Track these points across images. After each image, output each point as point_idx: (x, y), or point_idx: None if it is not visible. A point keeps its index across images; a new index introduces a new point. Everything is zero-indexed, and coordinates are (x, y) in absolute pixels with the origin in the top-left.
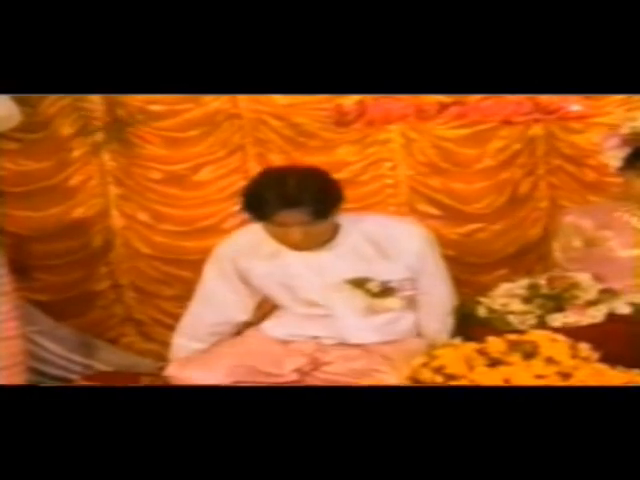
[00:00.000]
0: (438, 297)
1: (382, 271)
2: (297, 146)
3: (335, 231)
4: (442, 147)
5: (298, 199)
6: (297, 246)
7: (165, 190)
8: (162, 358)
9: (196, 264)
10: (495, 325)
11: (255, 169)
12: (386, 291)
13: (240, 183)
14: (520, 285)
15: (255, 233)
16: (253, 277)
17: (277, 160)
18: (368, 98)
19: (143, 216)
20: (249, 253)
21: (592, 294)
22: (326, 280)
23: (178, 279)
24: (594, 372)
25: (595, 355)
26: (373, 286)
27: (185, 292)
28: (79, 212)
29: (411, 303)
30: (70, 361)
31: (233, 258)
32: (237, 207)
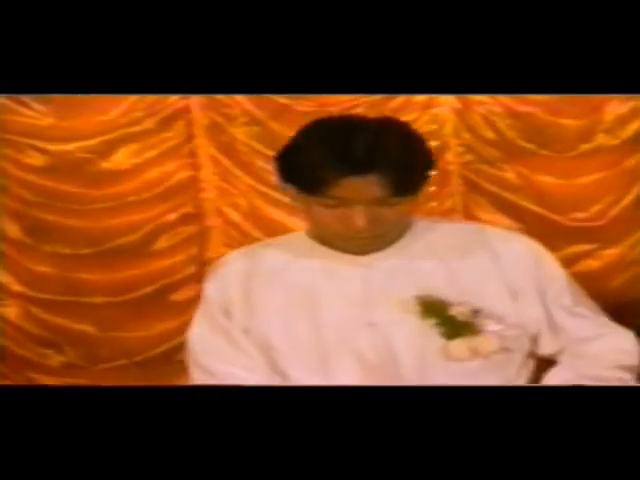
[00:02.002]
0: (585, 344)
1: (474, 294)
2: None
3: (404, 229)
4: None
5: (371, 160)
6: (356, 235)
7: None
8: None
9: None
10: None
11: None
12: (479, 323)
13: None
14: None
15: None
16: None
17: None
18: None
19: None
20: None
21: None
22: (379, 300)
23: None
24: None
25: None
26: (459, 312)
27: None
28: None
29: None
30: None
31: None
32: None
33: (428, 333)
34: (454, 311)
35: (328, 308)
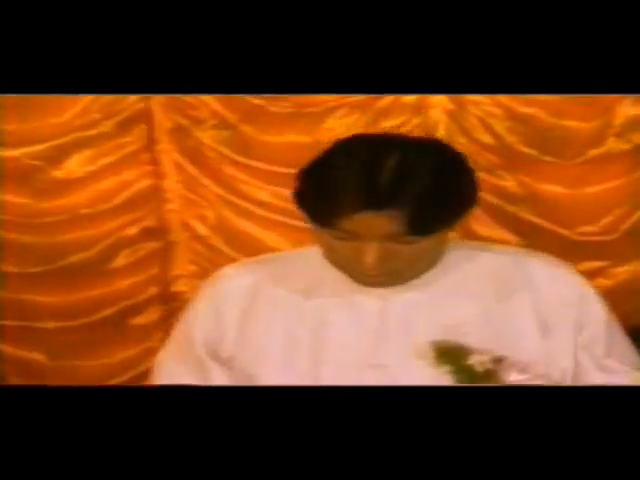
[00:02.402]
0: None
1: (503, 338)
2: None
3: (433, 260)
4: None
5: (393, 194)
6: (368, 272)
7: None
8: None
9: None
10: None
11: None
12: (500, 373)
13: None
14: None
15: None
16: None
17: None
18: None
19: None
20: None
21: None
22: (393, 338)
23: None
24: None
25: None
26: (478, 362)
27: None
28: None
29: None
30: None
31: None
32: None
33: (439, 382)
34: (473, 360)
35: (334, 342)
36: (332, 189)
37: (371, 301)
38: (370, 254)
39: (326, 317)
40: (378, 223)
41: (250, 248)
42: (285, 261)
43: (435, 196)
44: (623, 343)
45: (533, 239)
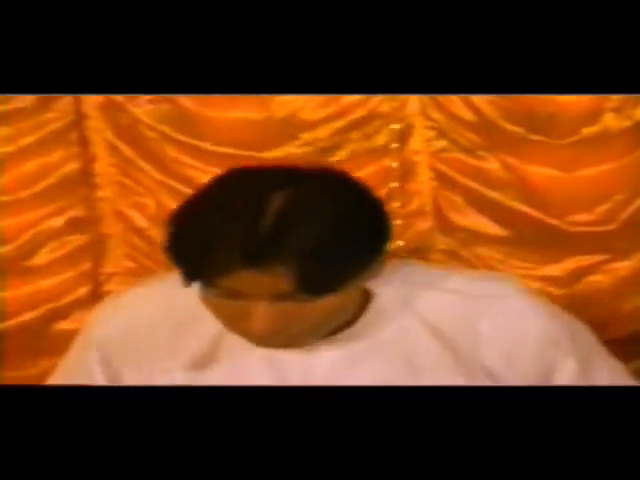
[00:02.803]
0: None
1: None
2: None
3: (362, 306)
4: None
5: (276, 247)
6: (260, 338)
7: None
8: None
9: None
10: None
11: None
12: None
13: None
14: None
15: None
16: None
17: None
18: None
19: None
20: (129, 348)
21: None
22: None
23: None
24: None
25: None
26: None
27: None
28: None
29: None
30: None
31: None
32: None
33: None
34: None
35: None
36: (205, 241)
37: (293, 356)
38: (259, 317)
39: (238, 376)
40: (262, 281)
41: None
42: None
43: (329, 248)
44: (609, 370)
45: (519, 229)
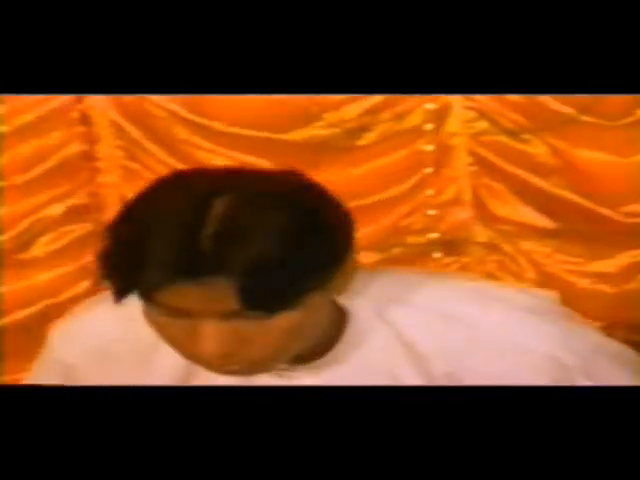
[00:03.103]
0: None
1: None
2: None
3: (339, 328)
4: None
5: (214, 258)
6: (211, 362)
7: None
8: None
9: None
10: None
11: None
12: None
13: None
14: None
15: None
16: None
17: None
18: None
19: None
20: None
21: None
22: None
23: None
24: None
25: None
26: None
27: None
28: None
29: None
30: None
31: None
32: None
33: None
34: None
35: None
36: (137, 250)
37: (269, 383)
38: (207, 338)
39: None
40: (204, 297)
41: None
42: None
43: (276, 260)
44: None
45: (567, 221)
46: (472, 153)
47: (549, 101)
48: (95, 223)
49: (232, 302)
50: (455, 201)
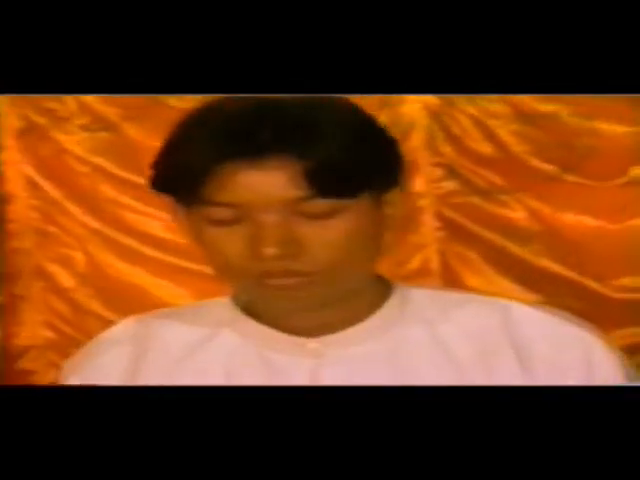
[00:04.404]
0: None
1: None
2: None
3: (380, 297)
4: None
5: (279, 139)
6: (270, 270)
7: None
8: None
9: None
10: None
11: None
12: None
13: None
14: None
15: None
16: None
17: None
18: None
19: None
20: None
21: None
22: None
23: None
24: None
25: None
26: None
27: None
28: None
29: None
30: None
31: None
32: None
33: None
34: None
35: None
36: (189, 140)
37: (300, 361)
38: (266, 235)
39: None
40: (264, 182)
41: (135, 305)
42: (182, 317)
43: (344, 143)
44: None
45: (549, 295)
46: (440, 216)
47: (528, 158)
48: (3, 296)
49: (296, 189)
50: (422, 271)
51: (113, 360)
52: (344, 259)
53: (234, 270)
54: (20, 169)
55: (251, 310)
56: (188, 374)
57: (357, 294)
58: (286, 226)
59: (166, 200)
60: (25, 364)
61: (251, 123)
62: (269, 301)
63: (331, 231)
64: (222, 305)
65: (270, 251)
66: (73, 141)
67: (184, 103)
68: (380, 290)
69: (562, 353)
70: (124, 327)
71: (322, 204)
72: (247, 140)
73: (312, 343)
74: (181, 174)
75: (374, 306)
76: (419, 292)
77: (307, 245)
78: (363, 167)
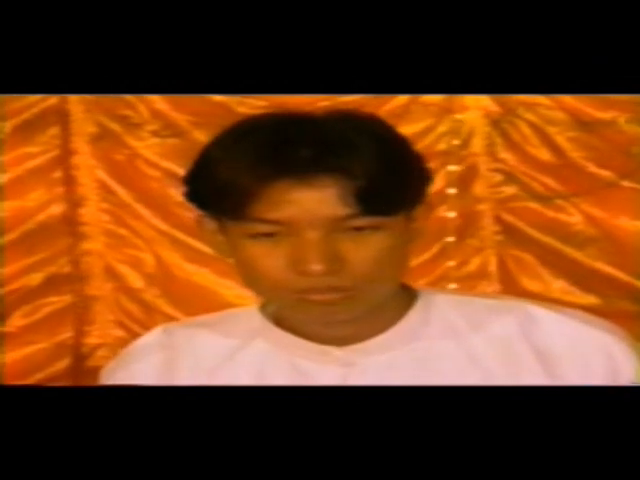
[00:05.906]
0: None
1: None
2: None
3: (402, 298)
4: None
5: (323, 157)
6: (314, 285)
7: None
8: None
9: None
10: None
11: None
12: None
13: None
14: None
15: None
16: None
17: None
18: None
19: None
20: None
21: None
22: None
23: None
24: None
25: None
26: None
27: None
28: None
29: None
30: None
31: None
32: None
33: None
34: None
35: None
36: (232, 158)
37: (331, 370)
38: (310, 251)
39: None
40: (314, 199)
41: (202, 304)
42: (214, 327)
43: (388, 162)
44: None
45: (605, 297)
46: (499, 220)
47: (585, 164)
48: (75, 295)
49: (344, 207)
50: (480, 274)
51: (147, 367)
52: (380, 274)
53: (272, 284)
54: (93, 173)
55: (280, 320)
56: (221, 383)
57: (385, 304)
58: (330, 242)
59: (194, 212)
60: (96, 361)
61: (292, 141)
62: (305, 314)
63: (370, 247)
64: (251, 315)
65: (316, 267)
66: (145, 146)
67: (251, 110)
68: (405, 297)
69: (585, 358)
70: (156, 335)
71: (364, 221)
72: (292, 158)
73: (341, 352)
74: (227, 192)
75: (400, 314)
76: (442, 297)
77: (348, 261)
78: (404, 185)
